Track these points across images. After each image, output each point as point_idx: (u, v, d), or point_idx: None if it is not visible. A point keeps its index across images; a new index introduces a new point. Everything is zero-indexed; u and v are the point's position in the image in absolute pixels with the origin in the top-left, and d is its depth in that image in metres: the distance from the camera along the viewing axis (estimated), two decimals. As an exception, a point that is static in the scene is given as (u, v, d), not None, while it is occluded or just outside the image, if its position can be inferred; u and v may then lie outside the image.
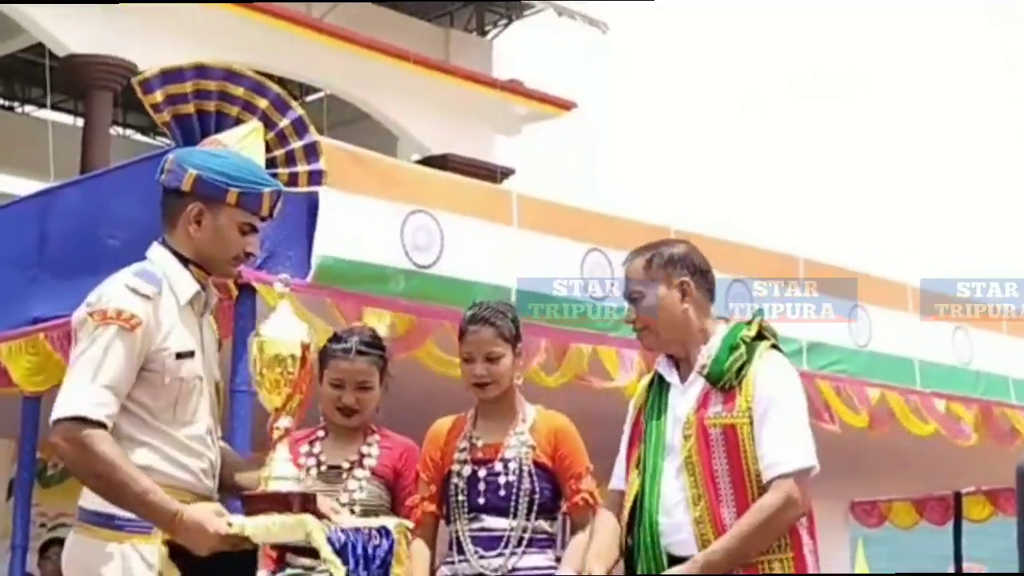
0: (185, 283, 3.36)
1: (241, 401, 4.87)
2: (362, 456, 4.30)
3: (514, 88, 19.72)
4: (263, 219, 3.45)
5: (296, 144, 3.54)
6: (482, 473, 4.20)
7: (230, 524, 3.18)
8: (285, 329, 3.44)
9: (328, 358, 4.29)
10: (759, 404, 3.57)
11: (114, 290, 3.25)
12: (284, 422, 3.41)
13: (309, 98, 20.65)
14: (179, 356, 3.31)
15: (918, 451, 8.34)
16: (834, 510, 13.02)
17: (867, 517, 13.69)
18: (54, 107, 19.56)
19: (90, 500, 3.29)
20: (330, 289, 5.30)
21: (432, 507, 4.28)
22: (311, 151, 3.57)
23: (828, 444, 7.57)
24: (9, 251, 6.33)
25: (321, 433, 4.36)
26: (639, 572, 3.65)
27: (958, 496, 12.65)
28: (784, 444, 3.56)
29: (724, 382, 3.60)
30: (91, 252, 5.87)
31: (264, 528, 3.20)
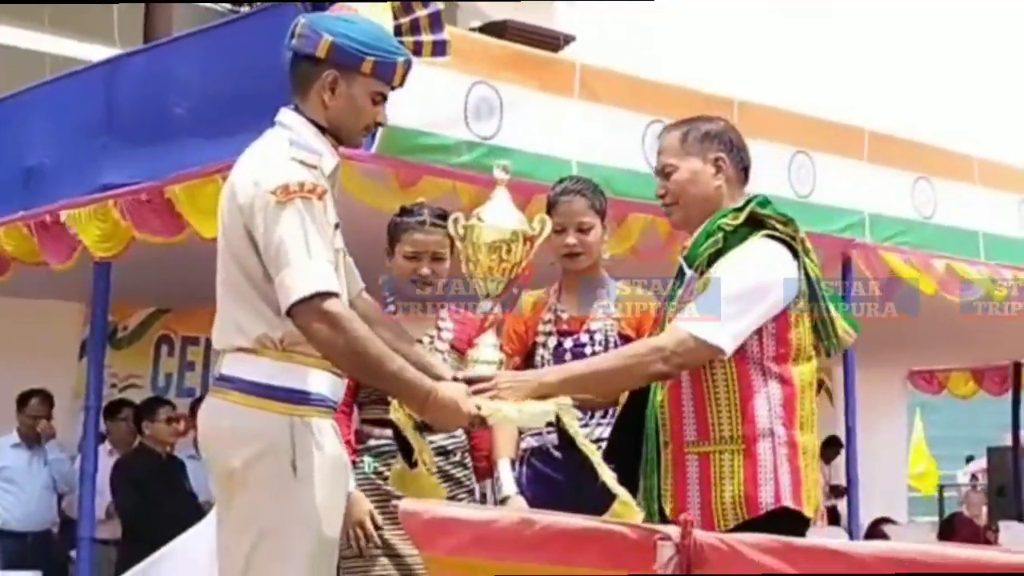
0: (327, 153, 3.26)
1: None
2: (440, 330, 4.32)
3: (577, -49, 19.42)
4: (393, 88, 3.34)
5: (421, 12, 3.45)
6: (568, 344, 4.23)
7: (478, 407, 3.19)
8: (503, 216, 3.48)
9: (401, 231, 4.29)
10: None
11: (282, 164, 3.12)
12: (486, 306, 3.49)
13: (370, -40, 20.51)
14: (336, 227, 3.26)
15: (978, 320, 8.34)
16: (892, 377, 13.08)
17: (926, 385, 13.74)
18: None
19: (252, 370, 3.14)
20: (392, 159, 5.34)
21: None
22: (435, 20, 3.47)
23: (884, 314, 7.69)
24: (78, 118, 6.40)
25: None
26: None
27: (1017, 366, 12.66)
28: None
29: (698, 267, 3.43)
30: (158, 120, 5.95)
31: (513, 413, 3.22)
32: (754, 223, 3.44)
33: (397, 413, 3.41)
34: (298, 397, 3.14)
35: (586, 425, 4.01)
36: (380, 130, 5.20)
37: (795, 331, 3.40)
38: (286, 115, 3.31)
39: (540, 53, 6.53)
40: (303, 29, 3.28)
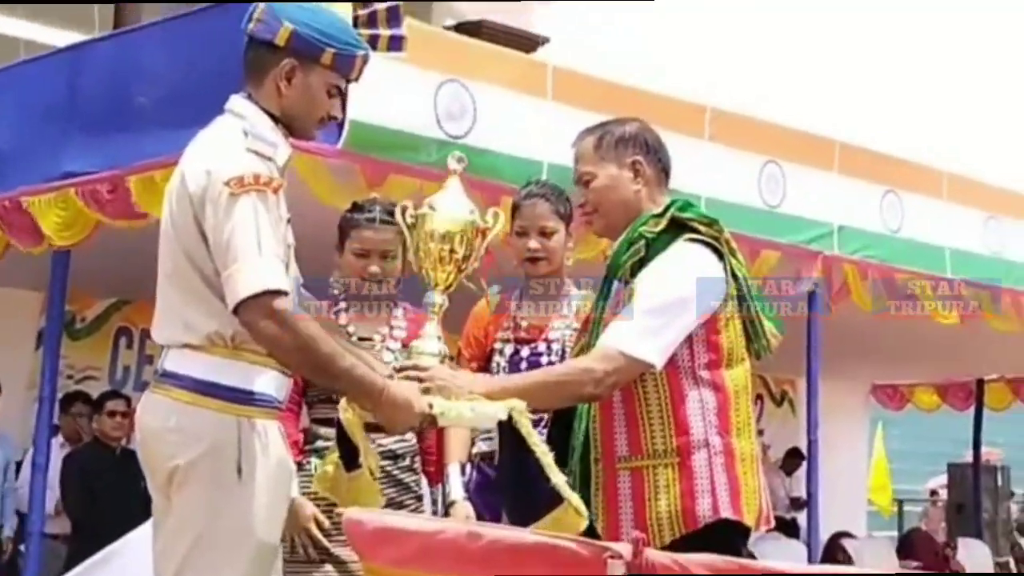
0: (282, 145, 3.17)
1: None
2: (391, 328, 4.23)
3: (553, -47, 19.38)
4: (349, 82, 3.25)
5: (380, 6, 3.36)
6: (524, 353, 4.15)
7: (430, 405, 3.13)
8: (455, 206, 3.42)
9: (350, 227, 4.21)
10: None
11: (237, 154, 3.02)
12: (439, 299, 3.41)
13: (345, -44, 20.45)
14: (287, 221, 3.17)
15: (942, 336, 8.35)
16: (856, 391, 13.11)
17: (888, 400, 13.79)
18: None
19: (200, 368, 3.06)
20: (359, 156, 5.27)
21: None
22: (394, 15, 3.39)
23: (849, 327, 7.67)
24: (40, 104, 6.31)
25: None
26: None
27: (980, 383, 12.70)
28: (620, 323, 3.25)
29: (621, 277, 3.36)
30: (122, 109, 5.87)
31: (466, 411, 3.16)
32: (677, 227, 3.35)
33: (346, 413, 3.32)
34: (244, 397, 3.06)
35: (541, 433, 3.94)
36: (348, 125, 5.21)
37: (725, 335, 3.33)
38: (238, 103, 3.20)
39: (513, 53, 6.49)
40: (262, 14, 3.18)
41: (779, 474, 11.98)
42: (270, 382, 3.12)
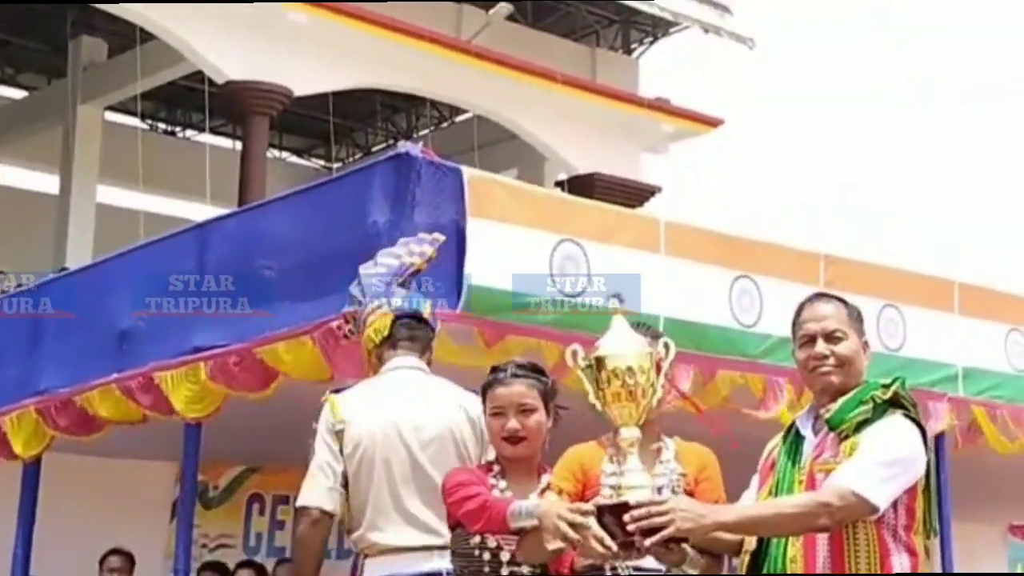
0: None
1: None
2: (544, 491, 4.03)
3: (660, 106, 19.66)
4: None
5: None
6: None
7: None
8: (620, 343, 3.60)
9: (486, 390, 4.19)
10: (859, 445, 3.59)
11: None
12: (631, 432, 3.56)
13: (459, 118, 20.92)
14: None
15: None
16: (991, 533, 12.74)
17: (1028, 538, 13.38)
18: (212, 131, 20.10)
19: None
20: (478, 318, 5.36)
21: None
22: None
23: (984, 467, 7.50)
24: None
25: (499, 473, 4.13)
26: None
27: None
28: (856, 467, 3.53)
29: (842, 431, 3.63)
30: (248, 282, 6.03)
31: None
32: (893, 401, 3.68)
33: None
34: None
35: None
36: (467, 289, 5.32)
37: (919, 504, 3.65)
38: None
39: (624, 211, 6.58)
40: None
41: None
42: None
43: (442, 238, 4.88)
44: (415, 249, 4.71)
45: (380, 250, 4.78)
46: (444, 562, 4.04)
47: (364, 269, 4.64)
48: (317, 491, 4.06)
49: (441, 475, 4.06)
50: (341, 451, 4.13)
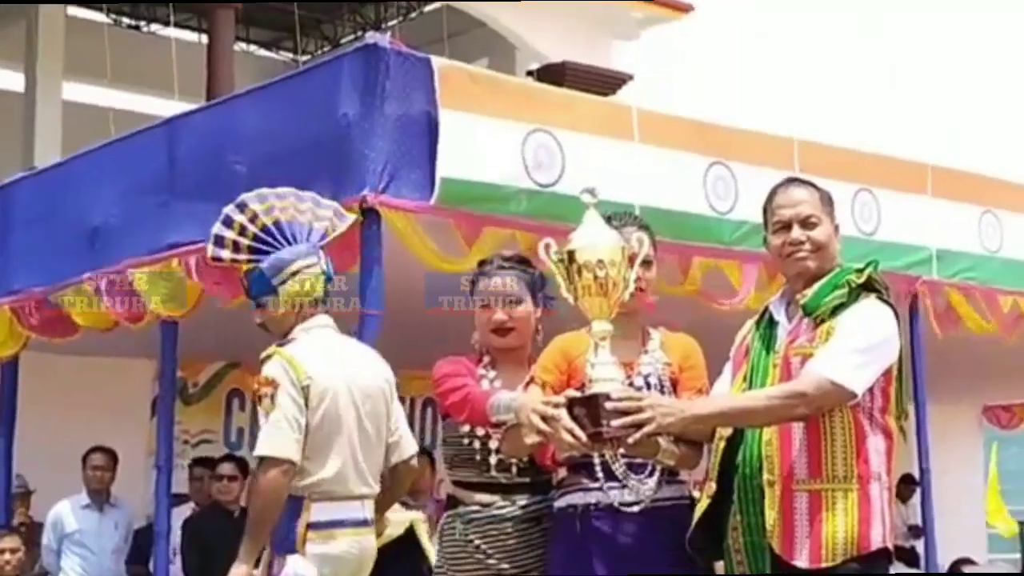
0: None
1: (370, 325, 5.00)
2: (528, 387, 4.01)
3: (632, -8, 19.41)
4: None
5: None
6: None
7: None
8: (592, 236, 3.59)
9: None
10: (835, 330, 3.61)
11: None
12: (603, 326, 3.55)
13: (427, 8, 20.63)
14: None
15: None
16: (967, 414, 12.90)
17: (1001, 420, 13.55)
18: (178, 25, 19.78)
19: None
20: (452, 211, 5.34)
21: None
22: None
23: (959, 349, 7.56)
24: (141, 177, 6.46)
25: (487, 360, 4.21)
26: (735, 496, 3.70)
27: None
28: (832, 355, 3.55)
29: (818, 315, 3.64)
30: (219, 177, 5.97)
31: None
32: (866, 285, 3.70)
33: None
34: None
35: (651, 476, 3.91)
36: (440, 183, 5.28)
37: (893, 386, 3.70)
38: None
39: (597, 99, 6.51)
40: None
41: (895, 503, 11.77)
42: None
43: (352, 217, 4.90)
44: (322, 214, 4.71)
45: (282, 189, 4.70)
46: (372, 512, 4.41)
47: (281, 212, 4.61)
48: (287, 442, 4.15)
49: (374, 430, 4.39)
50: (307, 404, 4.22)
